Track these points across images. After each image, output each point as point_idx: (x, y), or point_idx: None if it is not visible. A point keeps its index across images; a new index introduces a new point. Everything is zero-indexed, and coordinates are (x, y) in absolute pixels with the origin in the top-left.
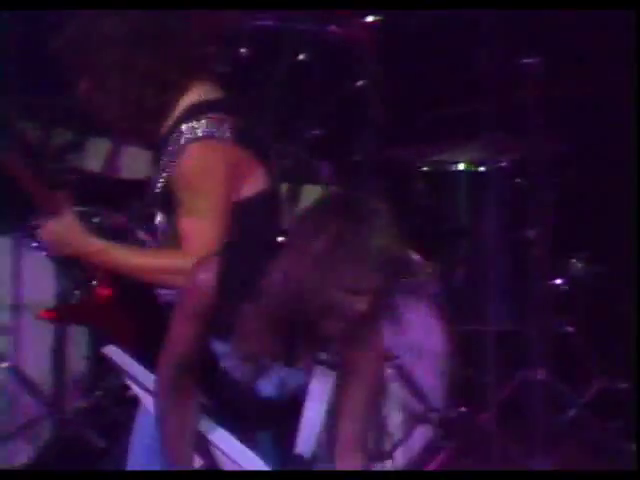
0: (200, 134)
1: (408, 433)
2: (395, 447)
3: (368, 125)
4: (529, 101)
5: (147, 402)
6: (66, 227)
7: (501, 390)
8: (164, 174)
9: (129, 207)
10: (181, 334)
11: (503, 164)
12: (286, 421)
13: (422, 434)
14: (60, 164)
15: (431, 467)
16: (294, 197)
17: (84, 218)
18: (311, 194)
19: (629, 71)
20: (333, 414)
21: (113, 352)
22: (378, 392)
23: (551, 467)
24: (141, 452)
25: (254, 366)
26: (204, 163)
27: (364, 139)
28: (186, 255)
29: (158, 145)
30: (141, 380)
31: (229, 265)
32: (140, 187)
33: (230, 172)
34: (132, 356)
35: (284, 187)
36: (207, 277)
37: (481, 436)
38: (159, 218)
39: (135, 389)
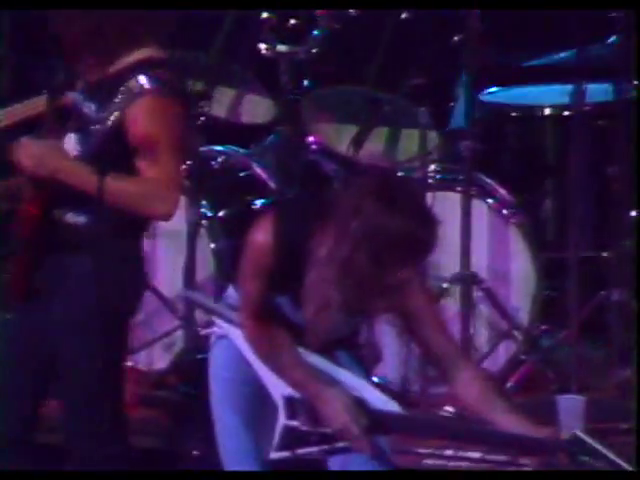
0: (154, 86)
1: (494, 348)
2: (481, 360)
3: (464, 74)
4: (616, 50)
5: (233, 334)
6: (49, 149)
7: (582, 310)
8: (114, 112)
9: (249, 148)
10: (250, 290)
11: (587, 108)
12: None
13: (507, 349)
14: (192, 110)
15: (513, 379)
16: (395, 139)
17: (212, 156)
18: (411, 137)
19: None
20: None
21: (193, 295)
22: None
23: (622, 377)
24: (218, 384)
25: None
26: (165, 107)
27: (460, 87)
28: (155, 181)
29: (102, 81)
30: (226, 315)
31: (284, 225)
32: (259, 130)
33: (179, 119)
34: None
35: (386, 131)
36: (264, 237)
37: (561, 351)
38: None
39: (220, 324)
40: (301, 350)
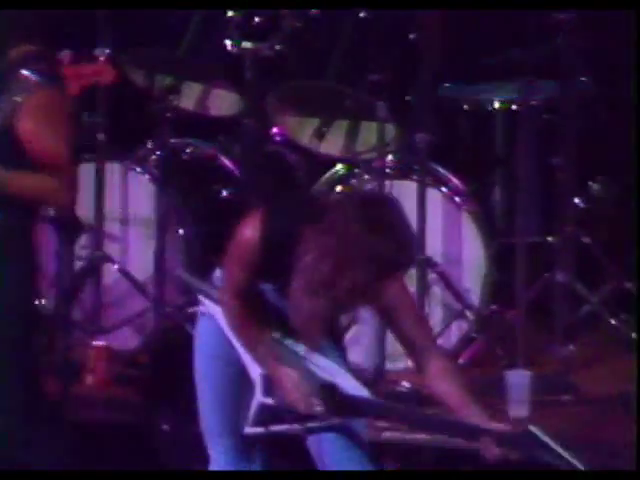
0: (42, 79)
1: (447, 327)
2: (436, 338)
3: (420, 70)
4: (560, 50)
5: (218, 313)
6: None
7: (528, 291)
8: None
9: (216, 139)
10: (233, 276)
11: (533, 103)
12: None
13: (459, 328)
14: (162, 104)
15: (465, 355)
16: (355, 131)
17: (181, 147)
18: (370, 129)
19: None
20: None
21: (185, 275)
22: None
23: (565, 353)
24: (202, 361)
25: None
26: (52, 101)
27: (417, 82)
28: (47, 177)
29: None
30: (213, 295)
31: (271, 223)
32: (225, 123)
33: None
34: None
35: (346, 124)
36: (252, 234)
37: (509, 329)
38: None
39: (207, 303)
40: (280, 333)
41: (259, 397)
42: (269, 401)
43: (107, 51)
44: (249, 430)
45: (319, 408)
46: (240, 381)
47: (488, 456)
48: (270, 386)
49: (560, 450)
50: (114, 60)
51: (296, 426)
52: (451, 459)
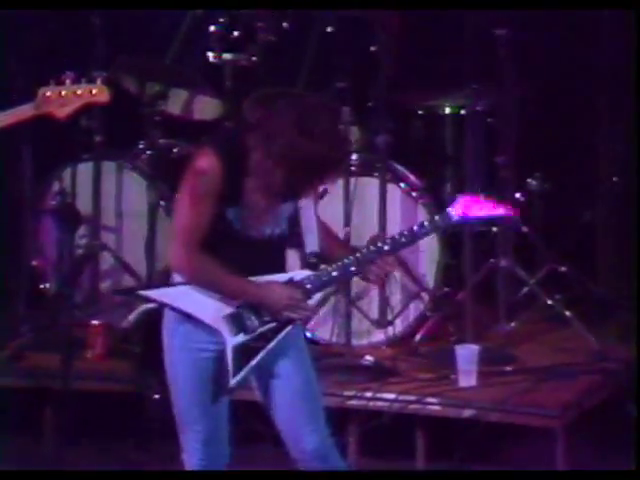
0: None
1: (405, 307)
2: (395, 317)
3: (379, 79)
4: (499, 62)
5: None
6: None
7: (475, 274)
8: None
9: (199, 140)
10: (188, 218)
11: (479, 108)
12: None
13: (416, 307)
14: (151, 108)
15: (421, 332)
16: None
17: (169, 147)
18: None
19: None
20: None
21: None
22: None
23: (507, 329)
24: (170, 349)
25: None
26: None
27: (376, 89)
28: None
29: None
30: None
31: (221, 150)
32: (207, 126)
33: None
34: None
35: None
36: (209, 162)
37: (459, 308)
38: None
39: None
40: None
41: (229, 340)
42: (239, 338)
43: (104, 73)
44: (233, 381)
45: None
46: (210, 368)
47: (377, 272)
48: (234, 321)
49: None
50: (110, 81)
51: (268, 345)
52: (407, 421)
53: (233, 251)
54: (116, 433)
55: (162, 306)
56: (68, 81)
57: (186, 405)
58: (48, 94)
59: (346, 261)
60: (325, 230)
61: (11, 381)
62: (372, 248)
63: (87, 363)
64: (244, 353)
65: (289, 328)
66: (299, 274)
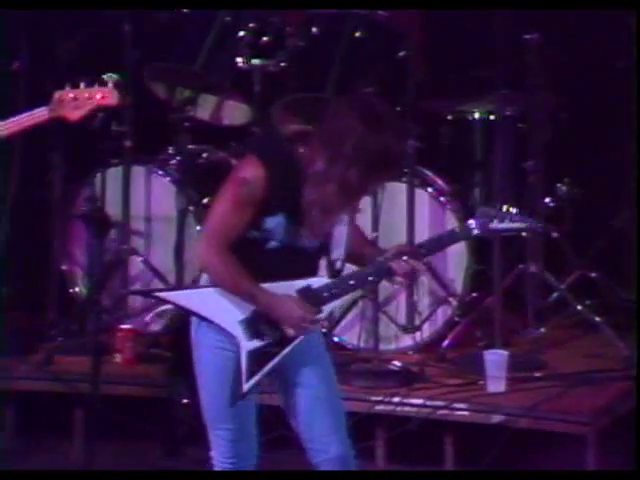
0: None
1: (433, 312)
2: (423, 322)
3: (408, 84)
4: (529, 67)
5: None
6: None
7: (504, 280)
8: None
9: (228, 145)
10: (224, 222)
11: (508, 113)
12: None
13: (444, 313)
14: (181, 114)
15: (450, 338)
16: None
17: (198, 153)
18: None
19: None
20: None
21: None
22: None
23: (536, 335)
24: (199, 348)
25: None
26: None
27: (405, 95)
28: None
29: None
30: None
31: (267, 158)
32: (236, 131)
33: None
34: None
35: None
36: (254, 171)
37: (488, 314)
38: None
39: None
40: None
41: (244, 344)
42: (254, 343)
43: (115, 76)
44: (247, 385)
45: (316, 319)
46: (231, 367)
47: (402, 273)
48: (250, 327)
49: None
50: (121, 85)
51: (283, 351)
52: (435, 427)
53: (258, 257)
54: (145, 437)
55: (178, 308)
56: (82, 85)
57: (212, 402)
58: (62, 97)
59: (364, 270)
60: (357, 232)
61: (42, 385)
62: (389, 256)
63: (116, 367)
64: (258, 358)
65: (302, 337)
66: (318, 281)
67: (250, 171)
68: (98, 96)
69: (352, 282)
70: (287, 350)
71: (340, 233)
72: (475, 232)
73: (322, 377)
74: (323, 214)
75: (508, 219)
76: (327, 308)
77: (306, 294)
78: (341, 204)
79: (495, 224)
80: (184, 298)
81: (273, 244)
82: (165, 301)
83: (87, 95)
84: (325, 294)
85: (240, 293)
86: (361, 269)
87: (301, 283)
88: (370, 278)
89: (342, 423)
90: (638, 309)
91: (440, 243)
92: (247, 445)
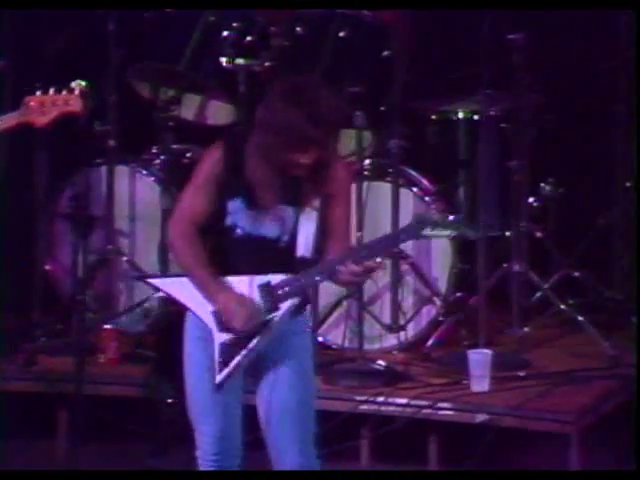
0: None
1: (418, 311)
2: (408, 322)
3: (393, 84)
4: (514, 67)
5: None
6: None
7: (488, 279)
8: None
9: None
10: (189, 199)
11: (492, 113)
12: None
13: (428, 312)
14: (165, 113)
15: (434, 337)
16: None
17: (182, 152)
18: (349, 136)
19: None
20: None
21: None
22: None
23: (520, 334)
24: (187, 340)
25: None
26: None
27: (390, 94)
28: None
29: None
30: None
31: (230, 142)
32: (221, 131)
33: None
34: None
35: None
36: (216, 151)
37: (472, 313)
38: None
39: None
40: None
41: (216, 335)
42: (224, 336)
43: (82, 83)
44: (219, 377)
45: (253, 323)
46: (212, 357)
47: (346, 278)
48: (221, 319)
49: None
50: (87, 93)
51: (245, 350)
52: (420, 426)
53: (228, 246)
54: (130, 437)
55: (167, 297)
56: (51, 90)
57: (194, 394)
58: (31, 103)
59: (313, 269)
60: (337, 237)
61: (25, 385)
62: (336, 258)
63: (100, 367)
64: (229, 351)
65: (270, 331)
66: (278, 278)
67: (209, 154)
68: (63, 103)
69: (302, 281)
70: (252, 345)
71: (307, 229)
72: (410, 237)
73: (294, 384)
74: (261, 190)
75: (441, 226)
76: (283, 306)
77: (263, 290)
78: (268, 177)
79: (428, 230)
80: (170, 285)
81: (239, 232)
82: (156, 288)
83: (52, 101)
84: (279, 292)
85: (194, 279)
86: (310, 269)
87: (262, 279)
88: (317, 278)
89: (306, 433)
90: (638, 308)
91: (378, 247)
92: (231, 443)
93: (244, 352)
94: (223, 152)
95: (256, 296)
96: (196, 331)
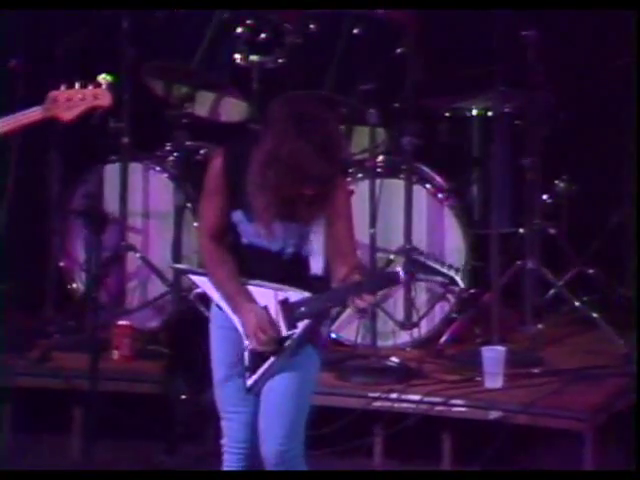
0: None
1: (431, 308)
2: (421, 318)
3: (406, 81)
4: (527, 64)
5: (204, 283)
6: None
7: (502, 276)
8: None
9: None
10: (207, 210)
11: (506, 110)
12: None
13: (442, 309)
14: (178, 111)
15: (447, 334)
16: (349, 135)
17: (195, 149)
18: (362, 133)
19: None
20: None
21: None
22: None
23: (534, 331)
24: (214, 333)
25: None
26: None
27: (403, 91)
28: None
29: None
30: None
31: (231, 150)
32: (234, 128)
33: None
34: None
35: (341, 127)
36: (217, 160)
37: (486, 310)
38: None
39: (195, 279)
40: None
41: (245, 342)
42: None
43: (108, 77)
44: (250, 381)
45: (267, 339)
46: (240, 346)
47: (360, 305)
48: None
49: (438, 267)
50: (115, 86)
51: (275, 358)
52: (433, 423)
53: (238, 256)
54: (143, 434)
55: (207, 294)
56: (77, 85)
57: (223, 383)
58: (56, 97)
59: (323, 295)
60: (342, 254)
61: (39, 381)
62: (348, 286)
63: (113, 364)
64: (257, 356)
65: (286, 352)
66: (298, 295)
67: (213, 161)
68: (91, 97)
69: (316, 304)
70: (282, 354)
71: (317, 245)
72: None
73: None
74: (258, 212)
75: (430, 272)
76: (301, 325)
77: (284, 307)
78: (266, 205)
79: (420, 275)
80: (204, 282)
81: (244, 241)
82: (194, 283)
83: (80, 96)
84: (297, 311)
85: (218, 287)
86: (322, 294)
87: (281, 295)
88: (329, 304)
89: (292, 429)
90: (638, 307)
91: (377, 284)
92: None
93: (270, 361)
94: (223, 162)
95: (276, 310)
96: (225, 320)
